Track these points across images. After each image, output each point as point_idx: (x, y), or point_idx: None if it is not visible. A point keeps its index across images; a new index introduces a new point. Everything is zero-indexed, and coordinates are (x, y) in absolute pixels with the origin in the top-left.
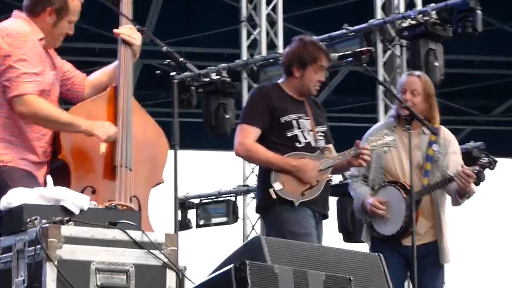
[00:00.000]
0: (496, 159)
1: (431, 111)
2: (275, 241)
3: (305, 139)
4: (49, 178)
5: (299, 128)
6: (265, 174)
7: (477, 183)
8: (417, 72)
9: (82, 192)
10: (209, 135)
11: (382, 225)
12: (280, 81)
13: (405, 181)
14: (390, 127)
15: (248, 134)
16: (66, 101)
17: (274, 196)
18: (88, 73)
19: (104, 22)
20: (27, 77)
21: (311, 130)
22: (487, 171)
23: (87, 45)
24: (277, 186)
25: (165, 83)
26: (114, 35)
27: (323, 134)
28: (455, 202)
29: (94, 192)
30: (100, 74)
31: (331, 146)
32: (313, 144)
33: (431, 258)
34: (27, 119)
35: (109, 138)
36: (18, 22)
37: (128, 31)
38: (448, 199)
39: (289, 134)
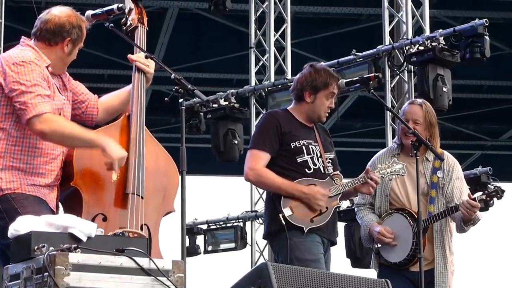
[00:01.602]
0: (505, 184)
1: (432, 140)
2: (282, 267)
3: (315, 165)
4: (60, 205)
5: (308, 154)
6: (274, 200)
7: (485, 209)
8: (419, 101)
9: (94, 219)
10: (218, 160)
11: (390, 252)
12: (290, 107)
13: (411, 208)
14: (394, 154)
15: (258, 159)
16: (80, 123)
17: (283, 222)
18: None
19: (113, 48)
20: (41, 98)
21: (320, 157)
22: (494, 200)
23: (96, 71)
24: (286, 212)
25: (175, 109)
26: (129, 61)
27: (331, 161)
28: (460, 229)
29: (106, 220)
30: (112, 98)
31: (339, 172)
32: (322, 170)
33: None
34: (46, 137)
35: (119, 160)
36: (24, 50)
37: (143, 59)
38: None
39: (299, 160)
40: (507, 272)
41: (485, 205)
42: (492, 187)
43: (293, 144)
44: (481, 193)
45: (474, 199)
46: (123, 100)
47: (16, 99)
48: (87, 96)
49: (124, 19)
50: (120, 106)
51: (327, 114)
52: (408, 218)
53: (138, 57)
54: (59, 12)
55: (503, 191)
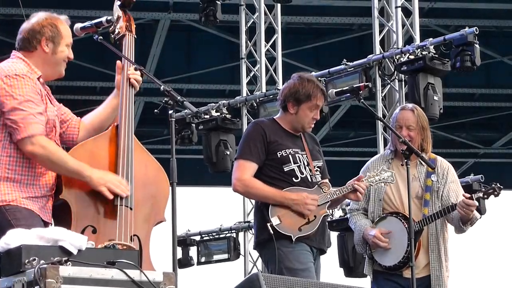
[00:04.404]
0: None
1: (424, 143)
2: (273, 277)
3: (302, 174)
4: None
5: (295, 162)
6: (262, 209)
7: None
8: (410, 106)
9: (83, 231)
10: (210, 171)
11: (383, 256)
12: (276, 116)
13: (405, 212)
14: (387, 159)
15: (245, 170)
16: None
17: (271, 231)
18: (89, 112)
19: (105, 60)
20: (33, 117)
21: (307, 165)
22: (491, 198)
23: (88, 84)
24: (274, 221)
25: (167, 120)
26: (117, 67)
27: (319, 169)
28: (459, 230)
29: (95, 232)
30: (93, 118)
31: (327, 181)
32: (309, 179)
33: None
34: (36, 159)
35: (109, 187)
36: (16, 63)
37: (135, 74)
38: (451, 229)
39: (286, 169)
40: (502, 278)
41: (479, 210)
42: (489, 184)
43: (279, 153)
44: (479, 177)
45: (471, 197)
46: (103, 119)
47: (7, 116)
48: (69, 116)
49: (112, 27)
50: (102, 124)
51: (312, 125)
52: (403, 220)
53: (134, 73)
54: (32, 19)
55: (500, 188)
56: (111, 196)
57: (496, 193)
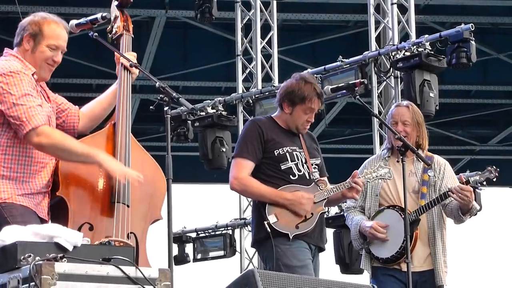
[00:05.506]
0: (494, 189)
1: (420, 139)
2: (268, 274)
3: (299, 171)
4: None
5: (292, 160)
6: (260, 207)
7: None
8: (405, 102)
9: (80, 228)
10: (206, 168)
11: (380, 248)
12: (274, 114)
13: (402, 205)
14: (384, 157)
15: (242, 168)
16: None
17: (268, 229)
18: None
19: (101, 58)
20: (34, 110)
21: (305, 163)
22: (488, 185)
23: (84, 81)
24: (271, 219)
25: (163, 117)
26: (116, 58)
27: (317, 167)
28: (458, 220)
29: (92, 229)
30: (94, 105)
31: (325, 178)
32: (307, 176)
33: (429, 284)
34: (44, 150)
35: (122, 176)
36: (9, 60)
37: (132, 57)
38: (449, 227)
39: (283, 167)
40: (500, 275)
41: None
42: (485, 167)
43: (276, 152)
44: (474, 173)
45: (468, 181)
46: (105, 106)
47: (8, 113)
48: (67, 106)
49: (109, 27)
50: (103, 112)
51: (307, 127)
52: (400, 212)
53: (129, 56)
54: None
55: (496, 170)
56: (124, 181)
57: (492, 175)
